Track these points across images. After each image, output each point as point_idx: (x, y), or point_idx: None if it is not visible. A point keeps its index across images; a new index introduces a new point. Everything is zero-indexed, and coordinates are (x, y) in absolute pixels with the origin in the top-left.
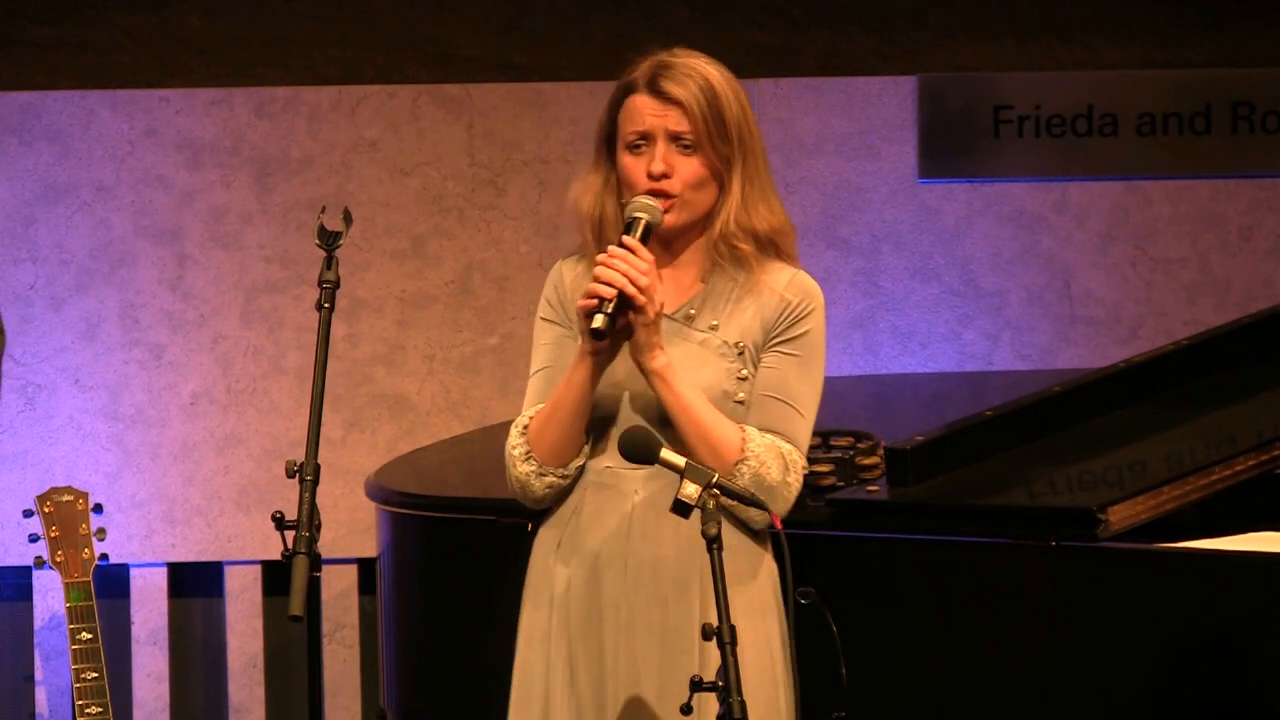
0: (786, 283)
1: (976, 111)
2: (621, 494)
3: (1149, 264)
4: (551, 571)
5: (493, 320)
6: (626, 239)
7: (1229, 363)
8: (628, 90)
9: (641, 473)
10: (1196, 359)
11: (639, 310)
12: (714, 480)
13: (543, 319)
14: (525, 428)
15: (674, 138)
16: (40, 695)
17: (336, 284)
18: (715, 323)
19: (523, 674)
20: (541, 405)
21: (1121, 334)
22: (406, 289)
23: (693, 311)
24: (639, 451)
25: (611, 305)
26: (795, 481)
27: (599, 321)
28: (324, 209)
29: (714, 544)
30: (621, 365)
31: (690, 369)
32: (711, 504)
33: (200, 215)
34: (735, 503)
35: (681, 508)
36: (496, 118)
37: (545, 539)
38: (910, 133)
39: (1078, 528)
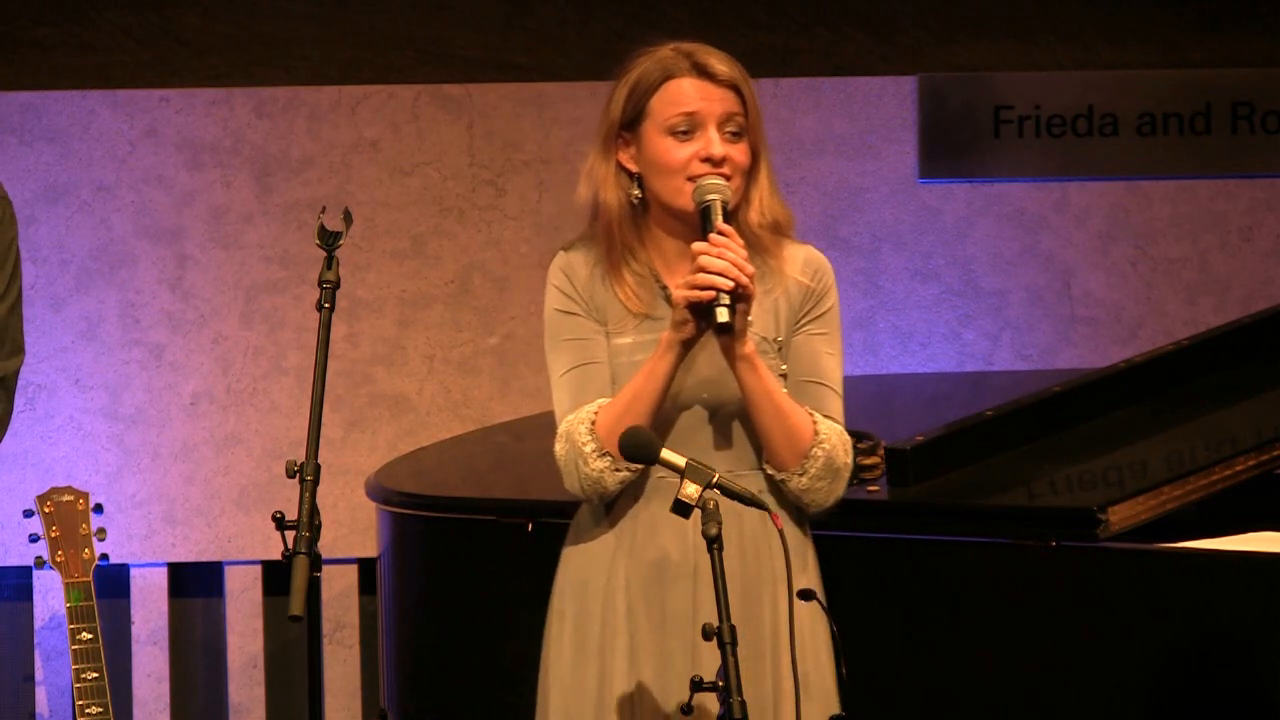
0: (803, 262)
1: (976, 111)
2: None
3: (1149, 264)
4: (606, 578)
5: (493, 320)
6: (721, 225)
7: (1229, 363)
8: (667, 75)
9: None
10: (1196, 359)
11: (747, 299)
12: (714, 480)
13: (561, 311)
14: (593, 424)
15: (724, 122)
16: (40, 695)
17: (337, 284)
18: (750, 318)
19: (574, 683)
20: (602, 401)
21: (1121, 334)
22: (406, 289)
23: None
24: (640, 451)
25: (729, 297)
26: (852, 462)
27: (724, 315)
28: (324, 209)
29: (714, 544)
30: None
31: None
32: (712, 504)
33: (200, 215)
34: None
35: (681, 508)
36: (496, 118)
37: (601, 543)
38: (910, 133)
39: (1078, 528)
